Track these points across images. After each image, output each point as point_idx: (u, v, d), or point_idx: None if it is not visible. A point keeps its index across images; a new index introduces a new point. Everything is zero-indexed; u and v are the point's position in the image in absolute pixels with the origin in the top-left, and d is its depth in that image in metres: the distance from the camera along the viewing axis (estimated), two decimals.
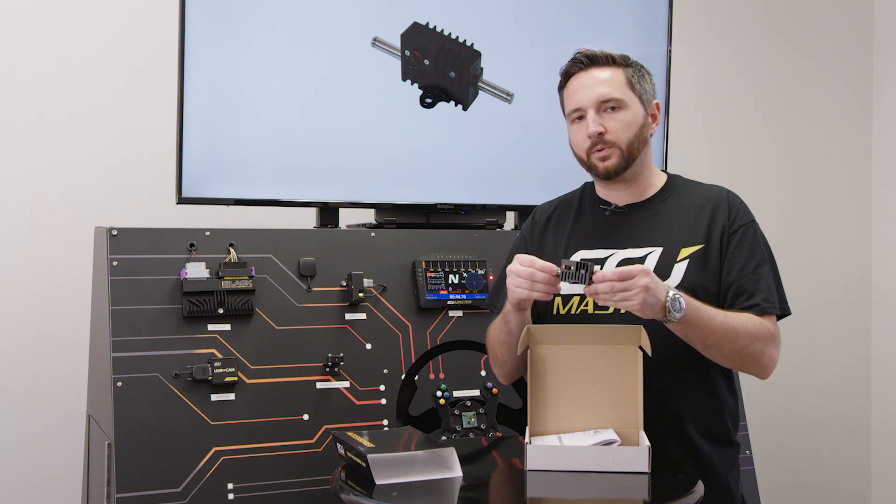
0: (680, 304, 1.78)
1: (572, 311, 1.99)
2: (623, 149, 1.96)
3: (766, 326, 1.89)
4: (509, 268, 1.86)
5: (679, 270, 1.93)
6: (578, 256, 2.01)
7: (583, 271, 1.76)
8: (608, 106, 1.95)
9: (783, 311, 1.94)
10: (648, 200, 2.03)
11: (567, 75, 2.02)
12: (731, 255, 1.94)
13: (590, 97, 1.96)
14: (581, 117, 1.98)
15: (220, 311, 2.24)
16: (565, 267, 1.77)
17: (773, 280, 1.94)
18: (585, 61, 1.99)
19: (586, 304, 1.99)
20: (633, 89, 1.98)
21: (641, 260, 1.95)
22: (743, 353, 1.87)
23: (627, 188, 2.03)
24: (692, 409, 1.96)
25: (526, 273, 1.81)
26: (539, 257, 2.07)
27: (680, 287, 1.89)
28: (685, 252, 1.95)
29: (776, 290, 1.93)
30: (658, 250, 1.96)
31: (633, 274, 1.75)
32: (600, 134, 1.95)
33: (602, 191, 2.07)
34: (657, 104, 2.03)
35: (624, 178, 2.00)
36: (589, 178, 2.08)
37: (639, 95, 1.98)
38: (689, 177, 2.10)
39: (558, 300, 2.02)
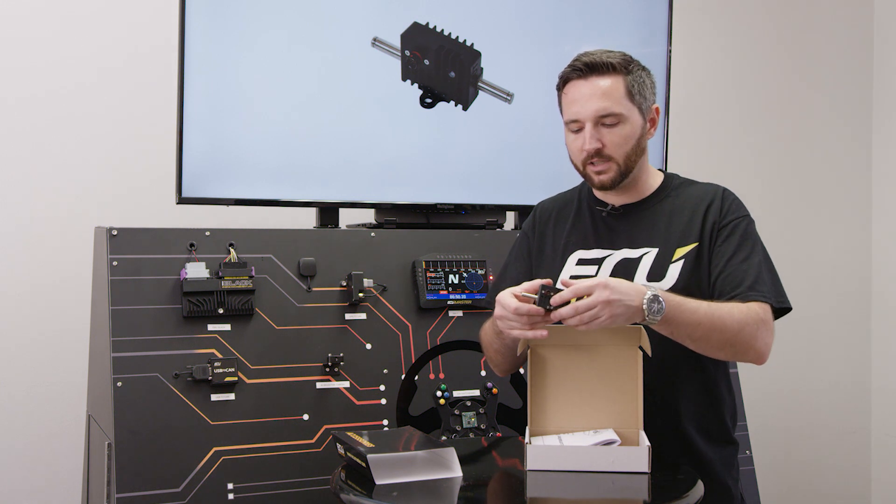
0: (659, 304, 1.73)
1: None
2: (620, 163, 1.93)
3: (755, 310, 1.83)
4: (497, 313, 1.79)
5: (674, 271, 1.92)
6: (576, 257, 2.01)
7: (546, 295, 1.72)
8: (606, 120, 1.91)
9: (780, 305, 1.88)
10: (645, 201, 2.01)
11: (565, 80, 1.96)
12: (720, 247, 1.92)
13: (588, 111, 1.91)
14: (579, 128, 1.94)
15: (220, 311, 2.24)
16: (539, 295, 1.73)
17: (768, 274, 1.90)
18: (584, 69, 1.92)
19: None
20: (633, 99, 1.92)
21: (638, 261, 1.94)
22: (734, 341, 1.82)
23: (624, 192, 2.01)
24: (689, 408, 1.94)
25: (522, 321, 1.75)
26: (538, 255, 2.07)
27: (675, 288, 1.87)
28: (680, 252, 1.93)
29: (770, 282, 1.88)
30: (654, 251, 1.95)
31: (590, 290, 1.70)
32: (597, 149, 1.92)
33: (599, 192, 2.05)
34: (657, 108, 1.99)
35: (619, 187, 1.98)
36: None
37: (638, 105, 1.93)
38: (688, 177, 2.09)
39: None
